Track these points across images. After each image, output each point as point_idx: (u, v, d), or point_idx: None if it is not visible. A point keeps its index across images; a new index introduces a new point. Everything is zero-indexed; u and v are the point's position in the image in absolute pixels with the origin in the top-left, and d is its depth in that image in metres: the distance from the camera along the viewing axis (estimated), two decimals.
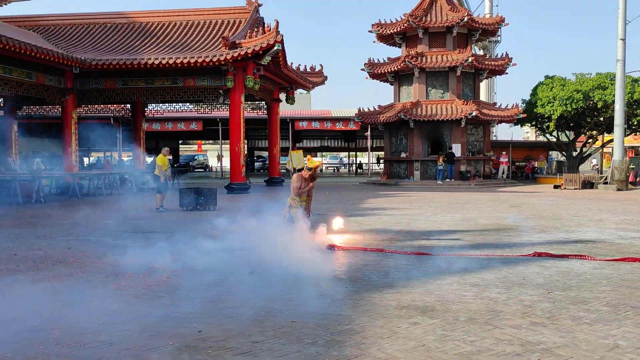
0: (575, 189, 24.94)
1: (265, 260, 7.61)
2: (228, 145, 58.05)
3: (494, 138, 38.63)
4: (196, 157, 55.61)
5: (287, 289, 6.27)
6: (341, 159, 63.78)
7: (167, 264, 7.58)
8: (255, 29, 20.48)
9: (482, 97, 39.00)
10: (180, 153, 57.67)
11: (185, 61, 19.81)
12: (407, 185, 26.92)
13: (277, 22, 19.77)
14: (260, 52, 19.68)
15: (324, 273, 7.12)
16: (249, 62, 20.57)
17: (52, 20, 24.85)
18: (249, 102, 27.60)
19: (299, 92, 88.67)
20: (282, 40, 19.71)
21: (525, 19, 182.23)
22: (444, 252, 8.80)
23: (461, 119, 26.81)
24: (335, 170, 53.92)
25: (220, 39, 21.17)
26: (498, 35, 34.81)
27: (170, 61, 19.88)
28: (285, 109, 52.40)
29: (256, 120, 38.59)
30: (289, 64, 25.33)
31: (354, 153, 53.13)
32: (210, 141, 63.85)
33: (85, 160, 44.01)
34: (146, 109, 27.90)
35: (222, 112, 30.71)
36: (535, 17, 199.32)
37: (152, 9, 25.60)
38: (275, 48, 19.61)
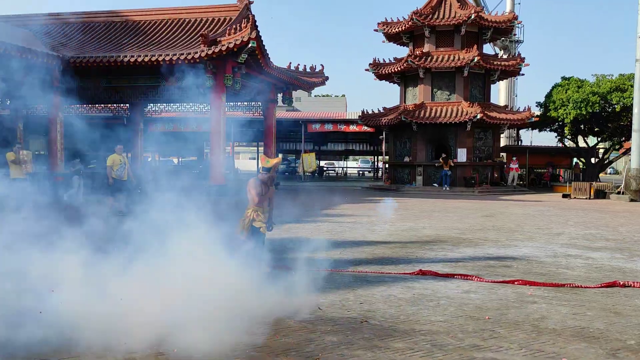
0: (586, 198, 23.13)
1: None
2: (242, 148, 56.62)
3: (516, 143, 36.65)
4: None
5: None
6: (373, 163, 62.48)
7: None
8: (235, 26, 19.83)
9: (502, 99, 37.18)
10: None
11: (160, 59, 19.40)
12: (406, 191, 25.67)
13: (253, 18, 19.10)
14: (235, 49, 19.03)
15: None
16: (228, 61, 19.96)
17: (48, 19, 24.99)
18: (246, 103, 27.06)
19: (335, 95, 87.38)
20: (257, 37, 19.00)
21: (552, 18, 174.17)
22: (330, 267, 7.86)
23: (466, 122, 25.38)
24: (360, 175, 52.70)
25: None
26: (514, 34, 32.93)
27: (146, 59, 19.52)
28: (306, 111, 51.67)
29: (283, 122, 38.07)
30: (280, 64, 24.82)
31: (380, 157, 51.82)
32: (244, 143, 63.57)
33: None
34: (145, 108, 27.77)
35: (234, 113, 30.27)
36: (563, 16, 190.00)
37: (150, 7, 25.30)
38: (250, 45, 18.90)
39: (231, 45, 18.86)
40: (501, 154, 31.92)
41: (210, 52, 18.99)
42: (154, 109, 28.32)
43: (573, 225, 13.35)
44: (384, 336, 4.82)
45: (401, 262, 8.38)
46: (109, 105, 28.46)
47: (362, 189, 28.02)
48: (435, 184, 26.08)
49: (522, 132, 40.05)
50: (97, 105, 28.84)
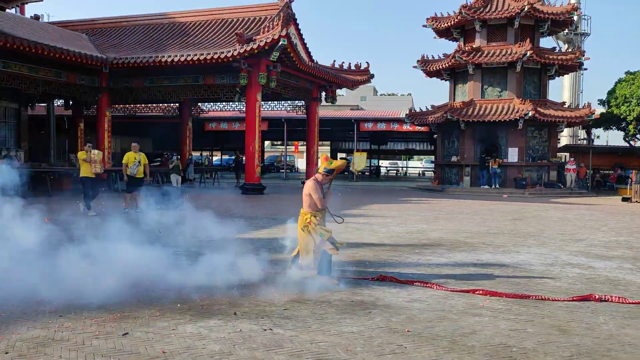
0: None
1: None
2: (297, 147, 56.70)
3: (587, 142, 34.46)
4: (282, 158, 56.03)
5: None
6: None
7: None
8: (268, 25, 19.78)
9: (566, 96, 35.10)
10: (267, 154, 58.42)
11: (195, 58, 19.67)
12: (451, 191, 24.69)
13: (284, 17, 18.97)
14: (267, 47, 18.96)
15: None
16: (262, 59, 19.94)
17: (102, 23, 26.02)
18: (290, 102, 26.99)
19: (401, 94, 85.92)
20: (288, 35, 18.83)
21: (624, 8, 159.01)
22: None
23: (517, 120, 24.07)
24: (421, 174, 51.49)
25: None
26: (576, 26, 30.88)
27: (182, 58, 19.84)
28: (370, 110, 50.97)
29: (339, 121, 37.92)
30: (330, 62, 24.79)
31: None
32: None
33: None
34: (192, 107, 28.37)
35: (288, 113, 30.21)
36: (636, 6, 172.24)
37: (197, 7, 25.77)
38: (281, 43, 18.76)
39: (262, 44, 18.83)
40: (561, 154, 30.20)
41: (242, 50, 19.05)
42: (202, 107, 28.85)
43: (605, 231, 12.22)
44: (273, 347, 4.45)
45: (375, 265, 7.91)
46: (160, 105, 29.26)
47: (408, 189, 27.26)
48: (485, 185, 24.88)
49: (596, 131, 37.59)
50: (149, 105, 29.75)
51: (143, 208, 14.24)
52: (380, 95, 79.86)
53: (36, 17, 25.84)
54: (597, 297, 6.09)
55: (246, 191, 21.01)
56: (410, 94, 77.94)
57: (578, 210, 17.37)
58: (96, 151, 14.24)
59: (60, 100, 27.84)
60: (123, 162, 14.46)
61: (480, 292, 6.29)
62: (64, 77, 21.23)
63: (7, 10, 19.27)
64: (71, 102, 27.34)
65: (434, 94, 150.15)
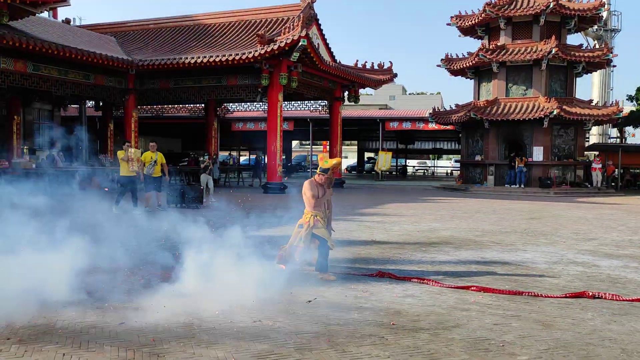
0: None
1: None
2: (325, 146, 56.93)
3: (620, 141, 33.72)
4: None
5: None
6: None
7: None
8: (289, 25, 20.03)
9: (595, 94, 34.42)
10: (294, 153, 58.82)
11: (217, 59, 20.05)
12: (474, 191, 24.53)
13: (304, 17, 19.17)
14: (287, 48, 19.21)
15: None
16: (283, 60, 20.20)
17: (129, 26, 26.70)
18: (313, 102, 27.22)
19: (430, 93, 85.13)
20: (308, 35, 19.04)
21: None
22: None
23: (542, 118, 23.79)
24: (448, 174, 51.12)
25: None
26: (603, 23, 30.23)
27: (205, 60, 20.25)
28: (400, 109, 50.91)
29: (365, 121, 37.97)
30: (354, 61, 24.88)
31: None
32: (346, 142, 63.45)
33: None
34: (218, 108, 28.82)
35: (312, 113, 30.44)
36: None
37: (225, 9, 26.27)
38: (301, 44, 18.99)
39: (282, 45, 19.08)
40: (590, 152, 29.71)
41: (262, 51, 19.34)
42: (228, 107, 29.30)
43: (621, 230, 12.08)
44: (259, 337, 4.65)
45: (378, 262, 8.03)
46: (187, 105, 29.83)
47: (432, 189, 27.20)
48: (514, 185, 24.60)
49: (629, 129, 36.72)
50: (177, 105, 30.37)
51: (162, 206, 14.64)
52: (410, 94, 79.51)
53: (67, 21, 26.66)
54: (590, 294, 6.12)
55: (267, 190, 21.32)
56: (440, 93, 77.42)
57: (600, 209, 17.13)
58: (133, 149, 14.51)
59: (91, 102, 28.66)
60: (141, 159, 14.86)
61: (475, 288, 6.38)
62: (92, 79, 21.89)
63: (38, 14, 19.89)
64: (101, 104, 28.13)
65: (463, 92, 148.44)
